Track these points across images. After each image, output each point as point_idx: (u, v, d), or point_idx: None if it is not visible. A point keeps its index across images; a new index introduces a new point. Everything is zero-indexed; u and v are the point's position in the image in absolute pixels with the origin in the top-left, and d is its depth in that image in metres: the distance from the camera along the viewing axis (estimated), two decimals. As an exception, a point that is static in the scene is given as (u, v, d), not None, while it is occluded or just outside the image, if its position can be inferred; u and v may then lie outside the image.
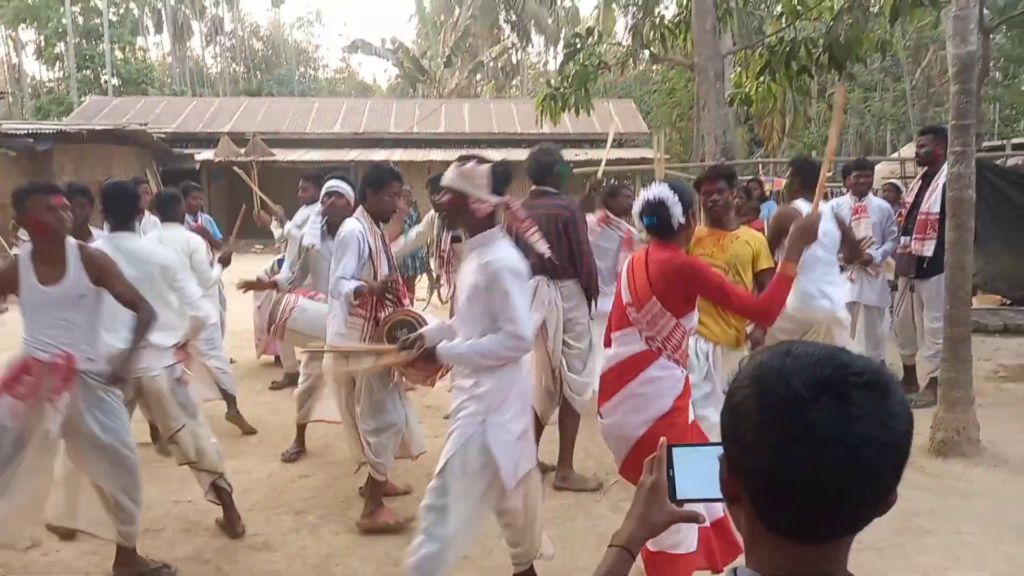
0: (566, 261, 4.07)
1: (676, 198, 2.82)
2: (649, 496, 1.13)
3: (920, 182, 5.62)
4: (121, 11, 33.56)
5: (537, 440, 4.38)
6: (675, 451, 1.10)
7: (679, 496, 1.10)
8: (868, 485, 0.82)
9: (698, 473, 1.08)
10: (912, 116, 21.50)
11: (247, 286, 4.99)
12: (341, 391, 3.87)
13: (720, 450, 1.02)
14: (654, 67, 23.53)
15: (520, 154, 21.34)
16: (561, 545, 3.46)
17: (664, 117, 25.63)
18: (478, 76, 36.61)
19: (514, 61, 38.41)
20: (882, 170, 10.89)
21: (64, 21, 29.77)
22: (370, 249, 3.69)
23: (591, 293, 4.19)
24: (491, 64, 35.39)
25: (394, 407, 3.80)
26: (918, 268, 5.46)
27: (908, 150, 11.79)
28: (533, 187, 4.23)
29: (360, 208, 3.83)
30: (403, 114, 24.36)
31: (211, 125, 22.89)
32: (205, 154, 20.31)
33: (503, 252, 2.67)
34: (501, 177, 2.74)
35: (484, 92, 35.91)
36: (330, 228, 4.60)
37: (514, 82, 39.98)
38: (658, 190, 2.85)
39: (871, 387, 0.81)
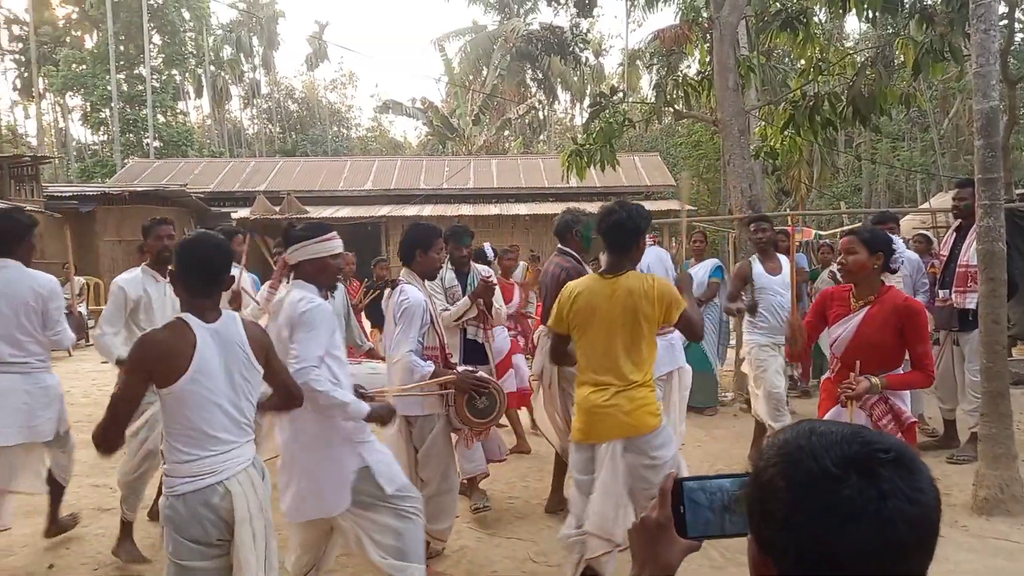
0: None
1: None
2: (657, 533, 1.08)
3: (954, 234, 5.59)
4: (163, 77, 34.99)
5: (562, 476, 4.47)
6: (685, 485, 1.06)
7: (690, 533, 1.06)
8: (901, 562, 0.81)
9: (708, 508, 1.05)
10: (941, 165, 21.36)
11: None
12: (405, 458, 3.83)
13: (727, 483, 1.04)
14: (679, 121, 23.80)
15: (547, 208, 21.76)
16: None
17: (691, 169, 25.82)
18: (506, 132, 37.35)
19: (541, 117, 39.14)
20: (912, 220, 10.83)
21: (109, 88, 31.12)
22: (431, 315, 3.76)
23: None
24: (518, 121, 36.11)
25: (454, 468, 3.90)
26: (961, 321, 5.39)
27: (938, 200, 11.71)
28: (558, 245, 4.48)
29: (406, 270, 3.84)
30: (433, 171, 24.87)
31: (248, 184, 23.59)
32: (241, 212, 20.86)
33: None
34: None
35: (512, 148, 36.59)
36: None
37: (541, 137, 40.68)
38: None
39: (898, 464, 0.82)
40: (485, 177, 24.32)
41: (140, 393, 2.40)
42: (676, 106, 9.00)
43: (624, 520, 3.05)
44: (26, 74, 37.36)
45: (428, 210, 21.18)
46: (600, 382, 3.15)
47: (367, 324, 8.37)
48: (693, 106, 9.44)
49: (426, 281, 3.93)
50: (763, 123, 9.69)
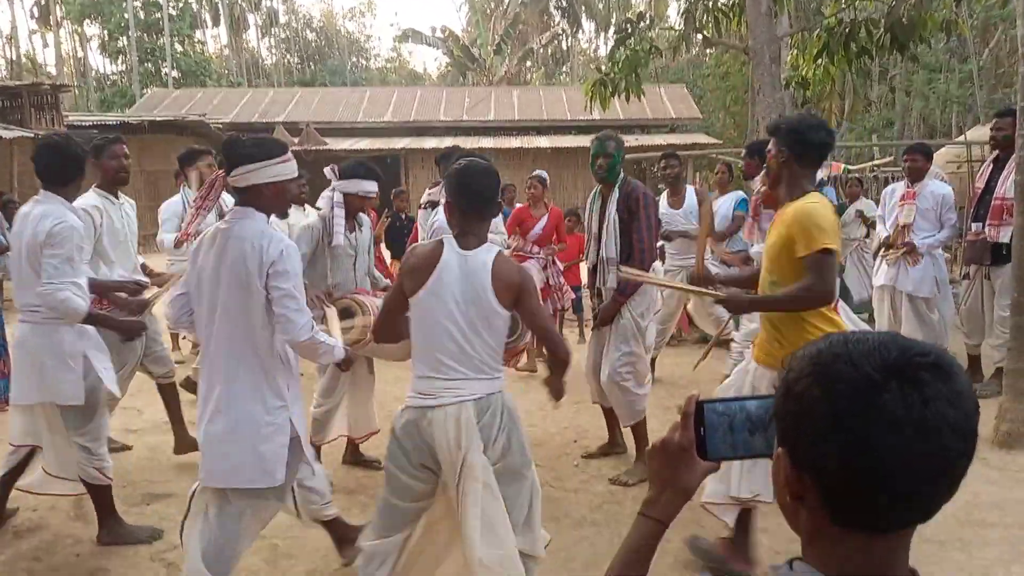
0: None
1: None
2: (677, 456, 1.06)
3: (991, 166, 5.43)
4: (180, 5, 34.38)
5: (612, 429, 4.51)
6: (706, 406, 1.04)
7: (710, 455, 1.04)
8: (946, 469, 0.79)
9: (730, 430, 1.03)
10: (979, 98, 20.62)
11: None
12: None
13: (752, 404, 1.02)
14: (707, 51, 23.07)
15: (569, 140, 21.43)
16: (609, 529, 3.49)
17: (718, 102, 25.17)
18: (528, 63, 36.53)
19: (564, 48, 38.18)
20: (946, 154, 10.51)
21: (126, 16, 30.68)
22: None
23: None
24: (541, 51, 35.27)
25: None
26: (994, 255, 5.27)
27: (975, 133, 11.33)
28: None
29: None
30: (453, 102, 24.49)
31: (266, 115, 23.40)
32: (261, 144, 20.78)
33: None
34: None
35: (534, 79, 35.84)
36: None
37: (564, 68, 39.76)
38: None
39: (937, 368, 0.79)
40: (506, 109, 23.91)
41: (398, 298, 2.55)
42: (705, 33, 8.69)
43: None
44: (43, 1, 36.92)
45: (448, 142, 20.94)
46: None
47: (387, 255, 8.38)
48: (723, 33, 9.12)
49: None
50: (795, 51, 9.36)
